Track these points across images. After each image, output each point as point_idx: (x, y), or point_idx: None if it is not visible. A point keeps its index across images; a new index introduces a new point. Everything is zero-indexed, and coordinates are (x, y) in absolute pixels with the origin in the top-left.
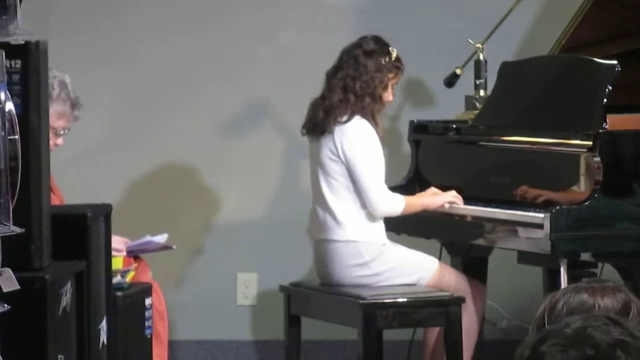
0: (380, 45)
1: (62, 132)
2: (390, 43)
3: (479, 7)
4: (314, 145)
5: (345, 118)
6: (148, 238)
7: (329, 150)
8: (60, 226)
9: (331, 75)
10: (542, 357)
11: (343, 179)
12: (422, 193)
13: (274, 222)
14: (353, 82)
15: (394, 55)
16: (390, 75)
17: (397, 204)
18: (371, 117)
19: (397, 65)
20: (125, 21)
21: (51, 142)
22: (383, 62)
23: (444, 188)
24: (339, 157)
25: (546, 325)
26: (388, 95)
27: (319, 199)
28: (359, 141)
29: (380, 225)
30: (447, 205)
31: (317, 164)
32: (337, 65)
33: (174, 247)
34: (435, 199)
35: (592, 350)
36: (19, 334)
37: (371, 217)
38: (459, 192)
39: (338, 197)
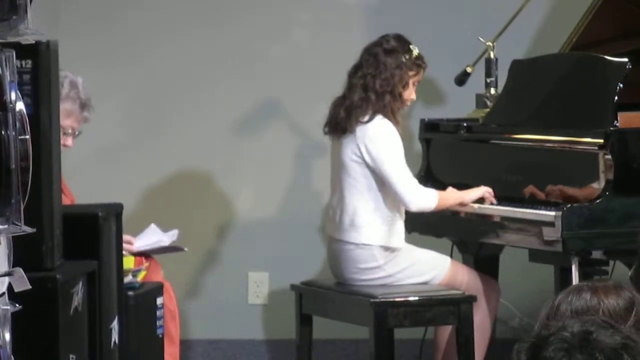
0: (401, 43)
1: (70, 132)
2: None
3: (489, 5)
4: (335, 144)
5: (366, 118)
6: (153, 226)
7: (350, 151)
8: (71, 226)
9: (352, 74)
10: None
11: (364, 180)
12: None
13: (285, 222)
14: (373, 80)
15: (414, 52)
16: (411, 73)
17: (430, 199)
18: (392, 116)
19: (418, 63)
20: (137, 21)
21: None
22: (403, 59)
23: (456, 187)
24: (362, 158)
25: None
26: (410, 94)
27: (338, 198)
28: (382, 140)
29: (396, 227)
30: (475, 206)
31: (338, 164)
32: (357, 64)
33: (186, 248)
34: (469, 194)
35: (601, 354)
36: (30, 334)
37: (389, 219)
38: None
39: (357, 198)
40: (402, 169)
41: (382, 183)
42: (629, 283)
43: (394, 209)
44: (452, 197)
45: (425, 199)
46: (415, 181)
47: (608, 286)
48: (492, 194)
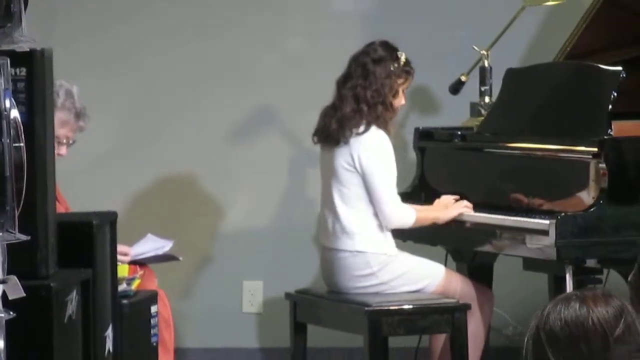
0: (389, 51)
1: (64, 142)
2: None
3: (484, 14)
4: (326, 153)
5: (362, 129)
6: (150, 236)
7: (344, 160)
8: (66, 234)
9: (341, 84)
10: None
11: (356, 189)
12: (436, 202)
13: (279, 230)
14: (364, 91)
15: (402, 59)
16: (400, 81)
17: (408, 218)
18: (385, 126)
19: (406, 70)
20: (131, 29)
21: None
22: (392, 68)
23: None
24: (355, 167)
25: (542, 338)
26: (400, 100)
27: (329, 206)
28: (376, 153)
29: (387, 235)
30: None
31: (329, 173)
32: (346, 74)
33: (180, 258)
34: (446, 213)
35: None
36: (24, 342)
37: (381, 227)
38: (465, 199)
39: (349, 207)
40: (388, 184)
41: None
42: (620, 291)
43: None
44: (429, 217)
45: (404, 218)
46: (399, 199)
47: (597, 295)
48: (471, 208)
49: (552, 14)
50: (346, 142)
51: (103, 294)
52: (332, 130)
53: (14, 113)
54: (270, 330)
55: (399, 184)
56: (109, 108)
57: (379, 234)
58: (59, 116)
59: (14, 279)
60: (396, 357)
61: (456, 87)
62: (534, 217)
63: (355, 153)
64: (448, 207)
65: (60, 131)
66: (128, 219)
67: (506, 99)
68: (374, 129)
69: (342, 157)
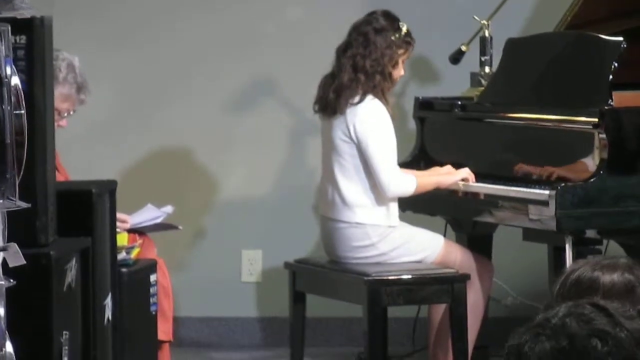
0: (390, 21)
1: (66, 115)
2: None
3: None
4: (325, 124)
5: (357, 99)
6: (150, 206)
7: (340, 131)
8: (65, 202)
9: (341, 52)
10: (521, 347)
11: (354, 160)
12: (436, 169)
13: (279, 199)
14: (363, 60)
15: (403, 30)
16: (400, 52)
17: (408, 186)
18: (382, 96)
19: (407, 41)
20: (132, 0)
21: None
22: (393, 38)
23: (453, 165)
24: (350, 138)
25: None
26: (399, 71)
27: (329, 177)
28: (371, 122)
29: (389, 207)
30: (461, 184)
31: (328, 143)
32: (346, 43)
33: (180, 227)
34: (448, 177)
35: (566, 341)
36: (24, 310)
37: (380, 198)
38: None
39: (348, 178)
40: (384, 154)
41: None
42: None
43: None
44: (431, 182)
45: (403, 186)
46: (397, 168)
47: (613, 265)
48: (473, 176)
49: None
50: (342, 113)
51: (102, 263)
52: (330, 100)
53: (15, 80)
54: (269, 299)
55: (398, 154)
56: (109, 77)
57: (378, 206)
58: (61, 91)
59: (14, 246)
60: (395, 327)
61: (456, 57)
62: (534, 188)
63: (351, 123)
64: (450, 173)
65: (62, 105)
66: (127, 188)
67: (506, 69)
68: (369, 99)
69: (339, 128)
